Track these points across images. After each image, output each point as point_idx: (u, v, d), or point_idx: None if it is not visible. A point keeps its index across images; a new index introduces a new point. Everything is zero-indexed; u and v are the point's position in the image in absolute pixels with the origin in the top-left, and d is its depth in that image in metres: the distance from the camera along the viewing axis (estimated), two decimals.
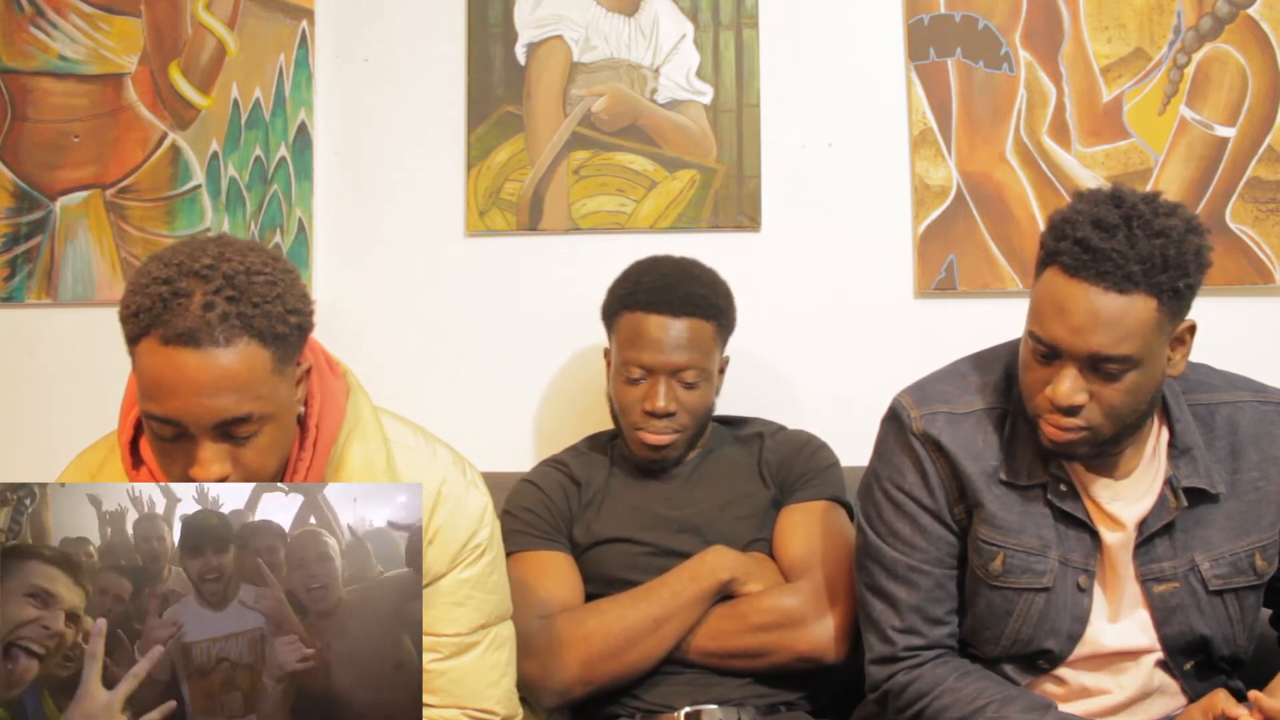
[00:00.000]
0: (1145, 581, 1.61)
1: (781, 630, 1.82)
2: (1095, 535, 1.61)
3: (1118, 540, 1.60)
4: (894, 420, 1.69)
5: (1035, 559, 1.61)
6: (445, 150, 2.38)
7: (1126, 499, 1.60)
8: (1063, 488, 1.60)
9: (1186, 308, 1.50)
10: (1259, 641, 1.72)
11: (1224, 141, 2.24)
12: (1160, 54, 2.25)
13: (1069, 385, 1.48)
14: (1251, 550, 1.61)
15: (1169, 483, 1.59)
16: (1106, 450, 1.56)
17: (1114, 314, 1.44)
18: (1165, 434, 1.62)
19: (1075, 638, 1.62)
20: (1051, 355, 1.50)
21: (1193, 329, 1.54)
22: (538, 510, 1.97)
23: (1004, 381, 1.66)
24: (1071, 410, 1.49)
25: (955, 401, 1.66)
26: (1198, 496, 1.60)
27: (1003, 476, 1.61)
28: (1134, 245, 1.43)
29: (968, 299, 2.28)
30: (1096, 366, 1.47)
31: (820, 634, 1.82)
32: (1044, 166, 2.25)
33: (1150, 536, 1.60)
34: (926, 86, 2.29)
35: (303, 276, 1.58)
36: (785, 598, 1.84)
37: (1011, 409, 1.64)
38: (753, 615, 1.83)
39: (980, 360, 1.71)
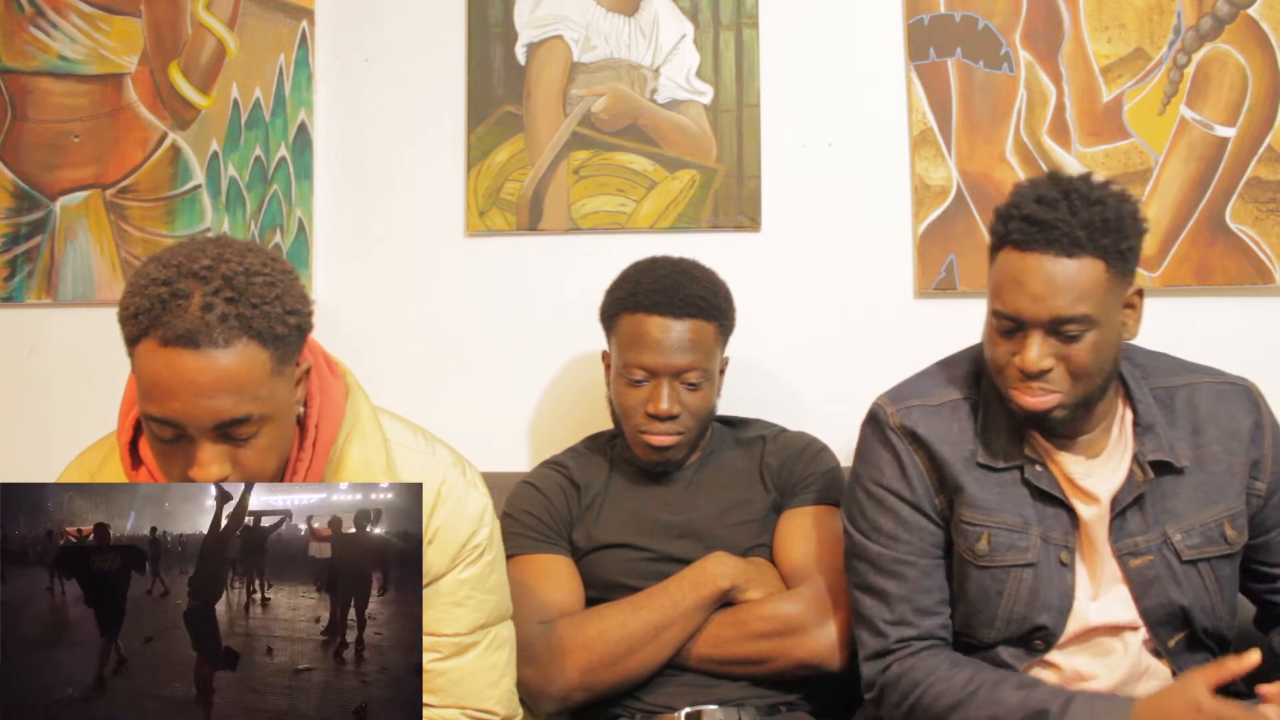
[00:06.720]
0: (1121, 556, 1.67)
1: (782, 638, 1.82)
2: (1072, 512, 1.67)
3: (1093, 515, 1.66)
4: (872, 421, 1.77)
5: (1018, 535, 1.67)
6: (445, 150, 2.38)
7: (1099, 475, 1.68)
8: (1038, 468, 1.68)
9: (1132, 271, 1.62)
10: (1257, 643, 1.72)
11: (1224, 141, 2.24)
12: (1160, 54, 2.25)
13: (1036, 351, 1.58)
14: (1220, 520, 1.68)
15: (1135, 458, 1.67)
16: (1078, 416, 1.64)
17: (1068, 277, 1.56)
18: (1129, 414, 1.70)
19: (1065, 613, 1.67)
20: (1015, 328, 1.60)
21: (1140, 293, 1.65)
22: (538, 513, 1.97)
23: (973, 374, 1.75)
24: (1041, 375, 1.59)
25: (929, 395, 1.75)
26: (1163, 469, 1.68)
27: (979, 460, 1.68)
28: (1075, 214, 1.56)
29: (968, 299, 2.28)
30: (1058, 330, 1.58)
31: (821, 641, 1.82)
32: (1044, 167, 2.25)
33: (1123, 511, 1.67)
34: (926, 86, 2.29)
35: (302, 277, 1.58)
36: (785, 605, 1.84)
37: (982, 399, 1.72)
38: (753, 623, 1.83)
39: (948, 360, 1.81)
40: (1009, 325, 1.60)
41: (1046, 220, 1.56)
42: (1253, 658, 1.51)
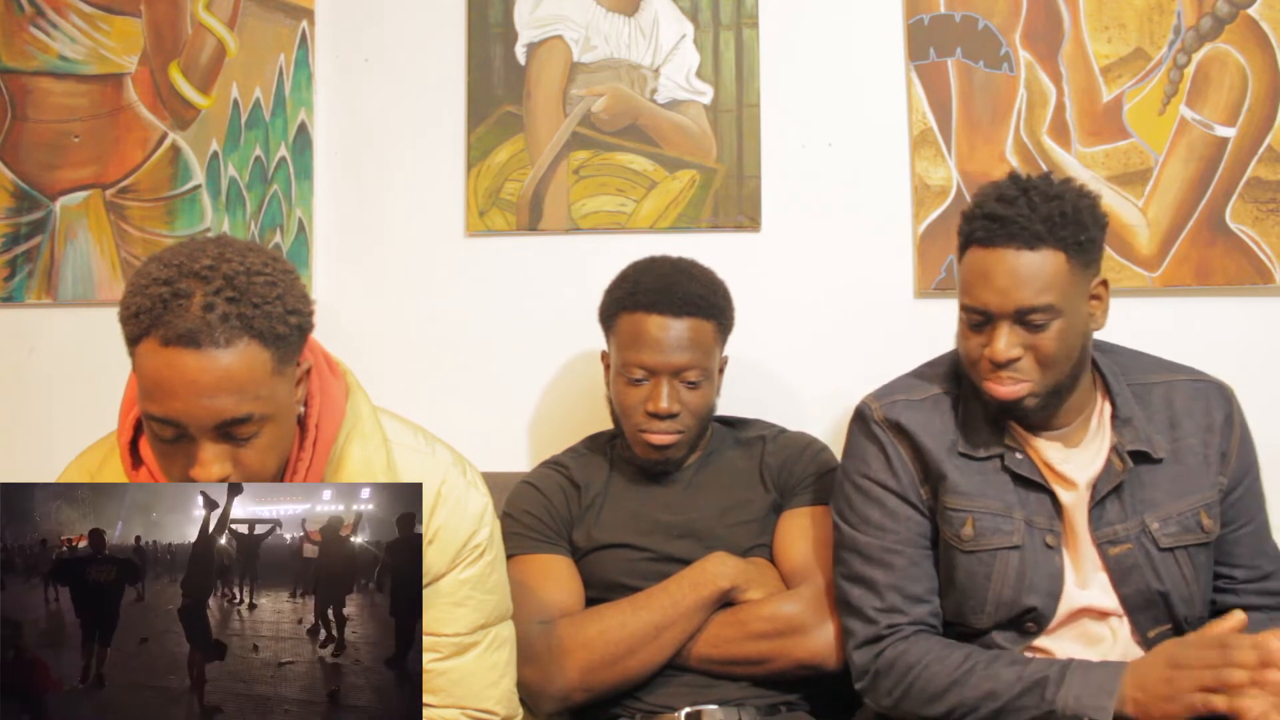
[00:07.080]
0: (1101, 544, 1.71)
1: (782, 638, 1.82)
2: (1055, 499, 1.72)
3: (1073, 500, 1.72)
4: (859, 418, 1.83)
5: (1002, 519, 1.72)
6: (445, 150, 2.38)
7: (1076, 462, 1.74)
8: (1018, 455, 1.74)
9: (1095, 262, 1.69)
10: None
11: (1224, 141, 2.24)
12: (1160, 54, 2.25)
13: (1005, 341, 1.65)
14: (1197, 509, 1.73)
15: (1114, 449, 1.73)
16: (1051, 404, 1.71)
17: (1031, 269, 1.63)
18: (1108, 407, 1.77)
19: (1055, 595, 1.70)
20: (984, 321, 1.67)
21: (1105, 284, 1.71)
22: (538, 513, 1.97)
23: (953, 372, 1.83)
24: (1010, 364, 1.66)
25: (911, 392, 1.83)
26: (1141, 459, 1.73)
27: (960, 449, 1.75)
28: (1034, 209, 1.63)
29: None
30: (1024, 320, 1.65)
31: (821, 641, 1.82)
32: (1044, 167, 2.25)
33: (1102, 499, 1.72)
34: (926, 86, 2.29)
35: (302, 276, 1.58)
36: (785, 605, 1.84)
37: (962, 394, 1.79)
38: (753, 623, 1.83)
39: (929, 363, 1.89)
40: (978, 319, 1.68)
41: (1007, 216, 1.63)
42: (1237, 617, 1.57)
